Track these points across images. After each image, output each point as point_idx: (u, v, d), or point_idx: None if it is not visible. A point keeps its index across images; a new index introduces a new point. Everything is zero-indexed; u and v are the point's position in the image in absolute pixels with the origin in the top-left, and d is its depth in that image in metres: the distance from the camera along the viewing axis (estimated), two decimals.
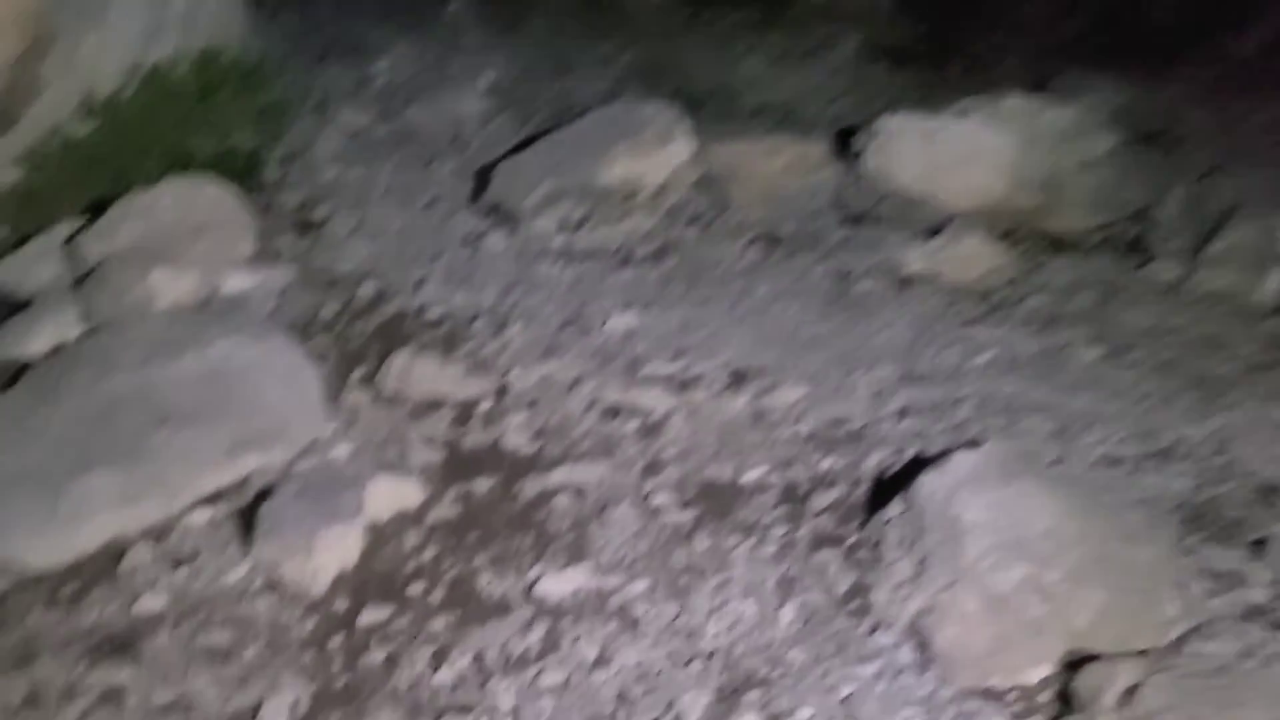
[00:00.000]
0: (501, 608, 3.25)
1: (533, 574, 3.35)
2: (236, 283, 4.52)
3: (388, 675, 3.05)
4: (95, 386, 3.79)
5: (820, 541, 3.43)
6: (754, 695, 2.94)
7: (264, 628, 3.20)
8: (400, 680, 3.03)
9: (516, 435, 3.92)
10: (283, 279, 4.73)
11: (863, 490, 3.62)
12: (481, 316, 4.58)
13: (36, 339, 4.17)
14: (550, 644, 3.12)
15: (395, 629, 3.20)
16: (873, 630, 3.12)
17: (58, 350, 4.09)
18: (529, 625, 3.18)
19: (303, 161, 5.83)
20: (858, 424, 3.93)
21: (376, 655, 3.12)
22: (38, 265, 4.50)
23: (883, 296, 4.81)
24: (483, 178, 5.65)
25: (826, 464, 3.74)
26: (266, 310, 4.47)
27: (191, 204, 4.65)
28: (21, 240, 4.85)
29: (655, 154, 5.42)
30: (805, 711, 2.89)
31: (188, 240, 4.49)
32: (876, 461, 3.73)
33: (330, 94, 6.32)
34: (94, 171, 5.19)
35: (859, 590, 3.24)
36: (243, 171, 5.51)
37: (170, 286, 4.28)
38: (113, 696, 2.96)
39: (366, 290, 4.77)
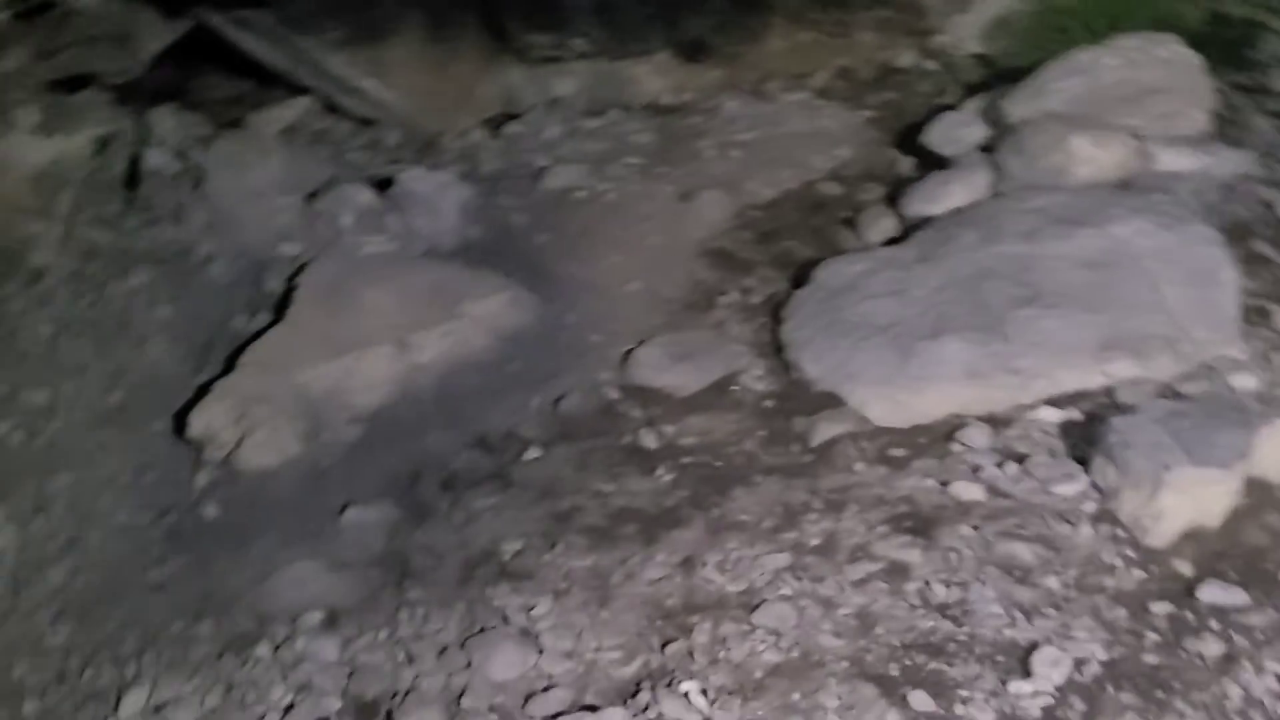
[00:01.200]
0: None
1: None
2: (1172, 161, 3.77)
3: (1217, 677, 2.26)
4: (975, 252, 3.49)
5: None
6: None
7: (1077, 560, 2.63)
8: (1231, 690, 2.22)
9: None
10: (1237, 166, 3.84)
11: None
12: None
13: (944, 199, 4.01)
14: None
15: (1245, 623, 2.37)
16: None
17: (958, 211, 3.87)
18: None
19: None
20: None
21: (1211, 647, 2.34)
22: (965, 127, 4.31)
23: None
24: None
25: None
26: (1200, 200, 3.65)
27: (1142, 66, 3.99)
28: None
29: None
30: None
31: (1125, 107, 3.87)
32: None
33: None
34: (1050, 35, 4.84)
35: None
36: (1228, 43, 4.63)
37: (1090, 155, 3.72)
38: (896, 573, 2.70)
39: None
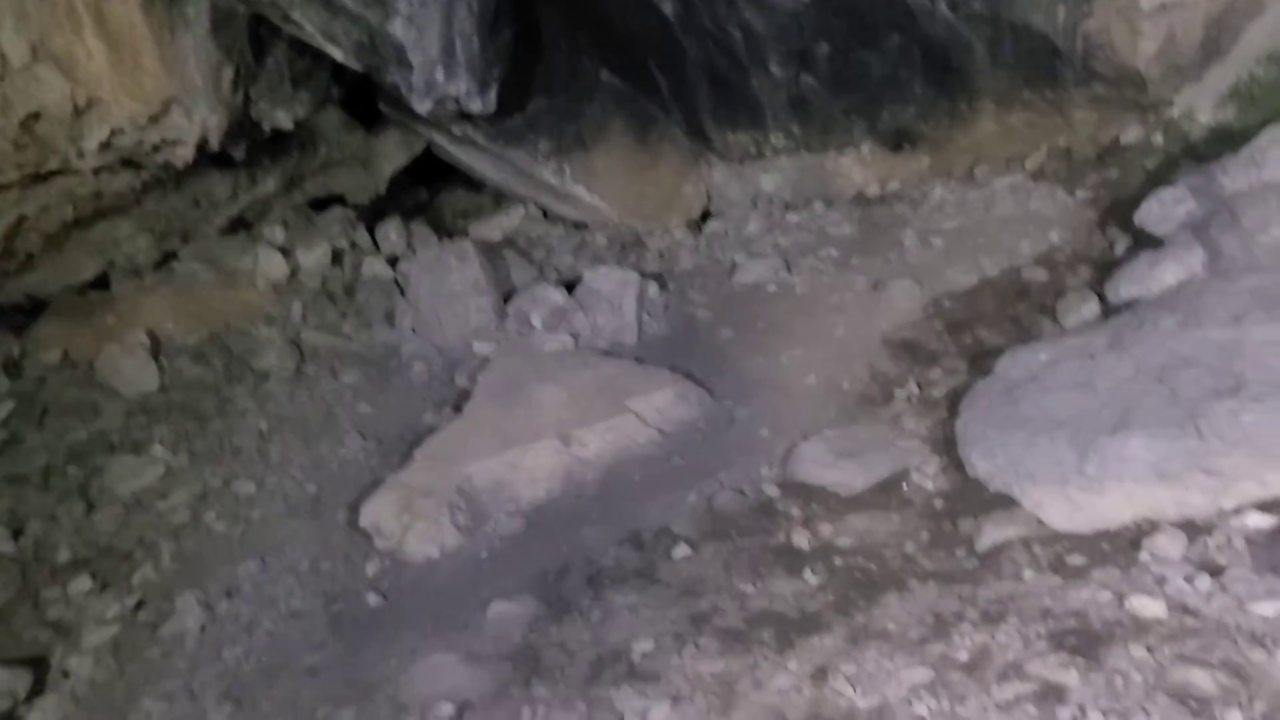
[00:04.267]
0: None
1: None
2: None
3: None
4: (1171, 338, 3.12)
5: None
6: None
7: (1268, 693, 2.22)
8: None
9: None
10: None
11: None
12: None
13: (1153, 280, 3.65)
14: None
15: None
16: None
17: (1161, 294, 3.49)
18: None
19: None
20: None
21: None
22: (1180, 203, 3.90)
23: None
24: None
25: None
26: None
27: None
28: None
29: None
30: None
31: None
32: None
33: None
34: None
35: None
36: None
37: None
38: (1049, 696, 2.39)
39: None
